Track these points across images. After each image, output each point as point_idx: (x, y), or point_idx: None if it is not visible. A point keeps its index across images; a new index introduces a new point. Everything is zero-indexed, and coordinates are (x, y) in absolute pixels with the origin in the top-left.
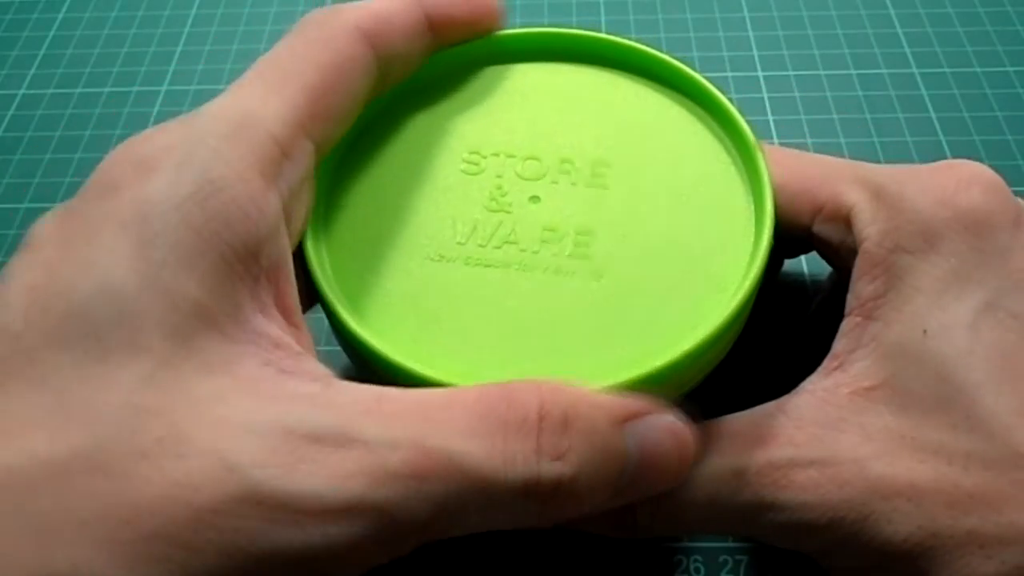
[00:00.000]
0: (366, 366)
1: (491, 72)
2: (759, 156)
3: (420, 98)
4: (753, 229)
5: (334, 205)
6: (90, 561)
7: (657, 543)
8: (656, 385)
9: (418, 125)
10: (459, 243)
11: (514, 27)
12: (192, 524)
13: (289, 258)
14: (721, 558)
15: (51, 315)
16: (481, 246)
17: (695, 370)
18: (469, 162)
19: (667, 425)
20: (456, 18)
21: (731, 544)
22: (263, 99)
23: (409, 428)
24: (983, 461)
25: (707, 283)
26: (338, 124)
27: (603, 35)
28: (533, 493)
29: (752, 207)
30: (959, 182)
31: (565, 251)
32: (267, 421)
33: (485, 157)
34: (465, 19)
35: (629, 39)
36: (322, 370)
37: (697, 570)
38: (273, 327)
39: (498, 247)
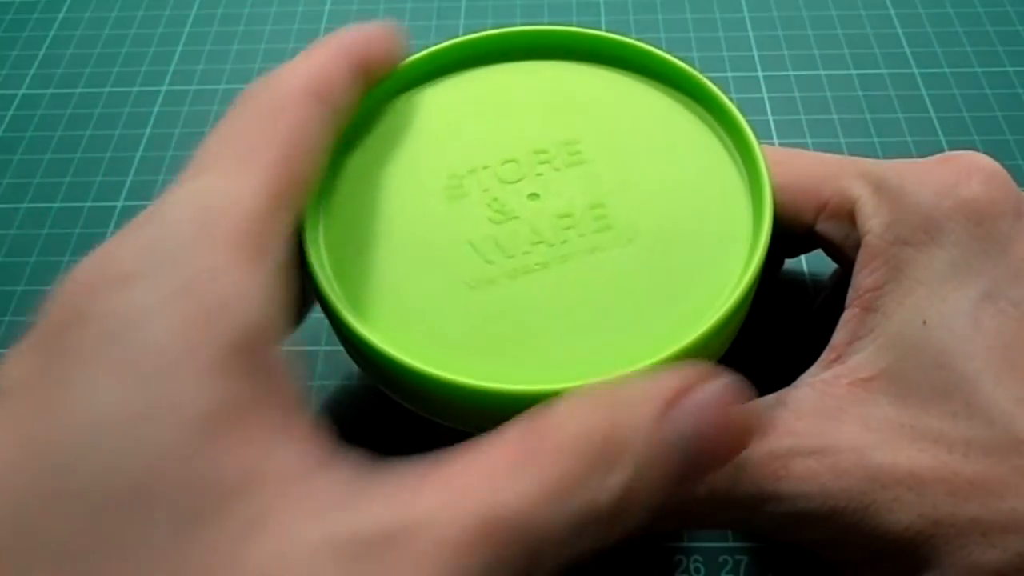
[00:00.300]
0: (460, 413)
1: (415, 97)
2: (719, 93)
3: (364, 143)
4: (748, 185)
5: (335, 263)
6: None
7: (657, 543)
8: (717, 337)
9: (379, 168)
10: (489, 262)
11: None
12: None
13: (281, 340)
14: (721, 558)
15: (51, 479)
16: (511, 257)
17: (739, 319)
18: (450, 187)
19: (714, 396)
20: (377, 58)
21: (731, 544)
22: (233, 178)
23: (467, 498)
24: (984, 448)
25: (724, 229)
26: (308, 189)
27: (508, 29)
28: (597, 516)
29: (742, 162)
30: (960, 173)
31: (590, 228)
32: (324, 538)
33: (463, 177)
34: (384, 56)
35: (623, 35)
36: (352, 456)
37: (697, 570)
38: (289, 417)
39: (528, 252)
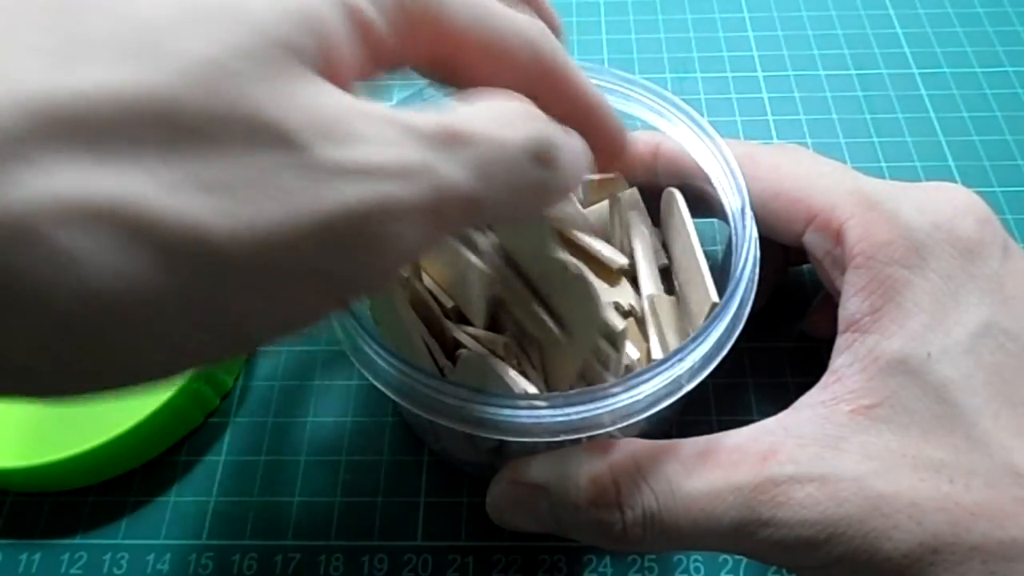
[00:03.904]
0: None
1: None
2: None
3: None
4: None
5: None
6: None
7: None
8: None
9: None
10: None
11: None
12: None
13: None
14: (721, 558)
15: None
16: None
17: None
18: None
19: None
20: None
21: None
22: None
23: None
24: (984, 480)
25: None
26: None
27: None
28: (537, 153)
29: None
30: (955, 208)
31: None
32: None
33: None
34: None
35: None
36: None
37: (697, 570)
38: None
39: None
